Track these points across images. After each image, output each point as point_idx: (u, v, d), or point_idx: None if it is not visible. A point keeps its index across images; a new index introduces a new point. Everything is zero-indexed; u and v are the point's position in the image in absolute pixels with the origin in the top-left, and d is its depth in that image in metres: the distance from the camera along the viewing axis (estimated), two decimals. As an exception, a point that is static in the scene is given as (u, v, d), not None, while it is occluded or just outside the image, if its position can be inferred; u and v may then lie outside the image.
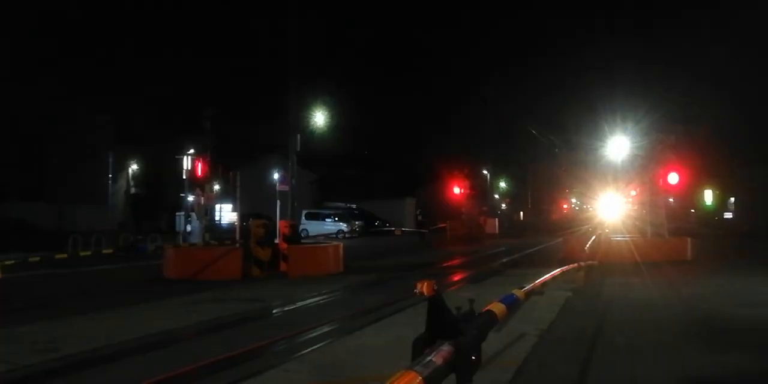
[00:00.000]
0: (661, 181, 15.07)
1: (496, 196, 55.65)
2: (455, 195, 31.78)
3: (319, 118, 19.79)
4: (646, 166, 15.89)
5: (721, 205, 36.22)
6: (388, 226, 37.10)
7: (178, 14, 74.33)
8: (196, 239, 15.33)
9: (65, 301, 9.69)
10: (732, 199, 35.15)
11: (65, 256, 16.42)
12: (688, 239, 15.51)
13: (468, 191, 32.51)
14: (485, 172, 48.27)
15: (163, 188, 40.56)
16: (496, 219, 37.04)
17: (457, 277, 13.41)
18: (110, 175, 41.52)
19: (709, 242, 20.74)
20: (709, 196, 35.83)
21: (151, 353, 6.02)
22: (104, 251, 17.71)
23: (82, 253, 16.81)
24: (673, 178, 14.77)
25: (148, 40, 70.27)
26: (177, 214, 29.47)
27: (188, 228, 16.07)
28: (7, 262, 14.80)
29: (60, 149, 41.64)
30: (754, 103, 36.99)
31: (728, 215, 35.39)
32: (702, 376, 4.86)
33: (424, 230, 28.93)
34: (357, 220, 35.99)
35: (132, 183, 45.10)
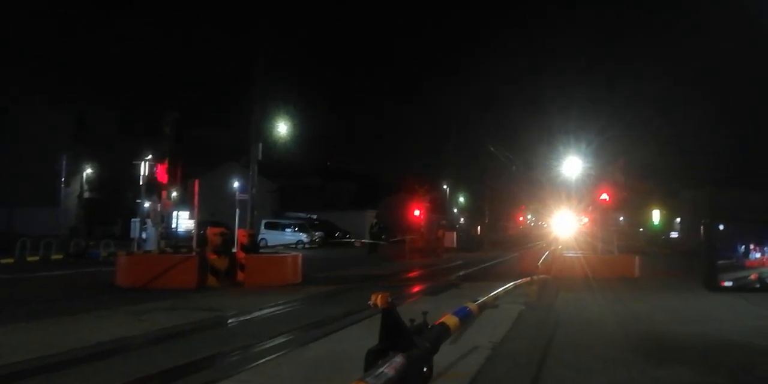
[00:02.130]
0: (609, 199, 15.69)
1: (455, 210, 56.27)
2: (415, 208, 32.07)
3: (283, 127, 19.73)
4: (596, 185, 16.51)
5: (668, 224, 37.66)
6: (348, 238, 37.05)
7: (143, 16, 72.95)
8: (151, 246, 14.99)
9: (9, 308, 9.31)
10: (678, 219, 36.61)
11: (12, 261, 15.78)
12: (636, 257, 16.09)
13: (428, 205, 32.85)
14: (445, 186, 48.82)
15: (118, 193, 39.46)
16: (455, 233, 37.43)
17: (414, 290, 13.52)
18: (63, 178, 40.13)
19: (656, 260, 21.51)
20: (656, 216, 37.19)
21: (98, 362, 5.87)
22: (54, 257, 17.09)
23: (30, 259, 16.18)
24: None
25: (111, 40, 68.72)
26: (132, 220, 28.74)
27: (143, 235, 15.69)
28: (-52, 267, 14.15)
29: (9, 148, 40.08)
30: (699, 127, 38.81)
31: (674, 234, 36.82)
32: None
33: (380, 242, 28.96)
34: (317, 231, 35.84)
35: (86, 187, 43.67)
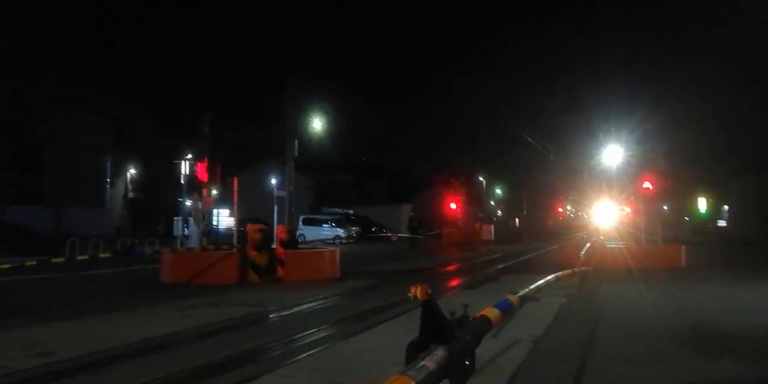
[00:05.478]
0: (652, 187, 15.26)
1: (492, 203, 55.71)
2: (451, 201, 31.89)
3: (317, 124, 19.84)
4: (638, 174, 16.08)
5: (715, 212, 36.34)
6: (384, 232, 37.15)
7: (180, 18, 74.51)
8: (193, 244, 15.33)
9: (61, 306, 9.68)
10: (726, 207, 35.26)
11: (62, 260, 16.39)
12: (682, 247, 15.63)
13: (464, 197, 32.63)
14: (481, 178, 48.34)
15: (161, 192, 40.52)
16: (492, 225, 37.08)
17: (452, 283, 13.45)
18: (108, 179, 41.45)
19: (703, 250, 20.84)
20: (703, 204, 35.92)
21: (144, 358, 6.03)
22: (101, 255, 17.69)
23: (79, 257, 16.78)
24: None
25: (148, 44, 70.45)
26: (175, 218, 29.47)
27: (186, 232, 16.07)
28: (3, 266, 14.77)
29: (58, 151, 41.60)
30: (743, 113, 37.28)
31: (722, 223, 35.51)
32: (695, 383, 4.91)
33: (418, 236, 28.86)
34: (354, 226, 36.04)
35: (130, 187, 45.00)
